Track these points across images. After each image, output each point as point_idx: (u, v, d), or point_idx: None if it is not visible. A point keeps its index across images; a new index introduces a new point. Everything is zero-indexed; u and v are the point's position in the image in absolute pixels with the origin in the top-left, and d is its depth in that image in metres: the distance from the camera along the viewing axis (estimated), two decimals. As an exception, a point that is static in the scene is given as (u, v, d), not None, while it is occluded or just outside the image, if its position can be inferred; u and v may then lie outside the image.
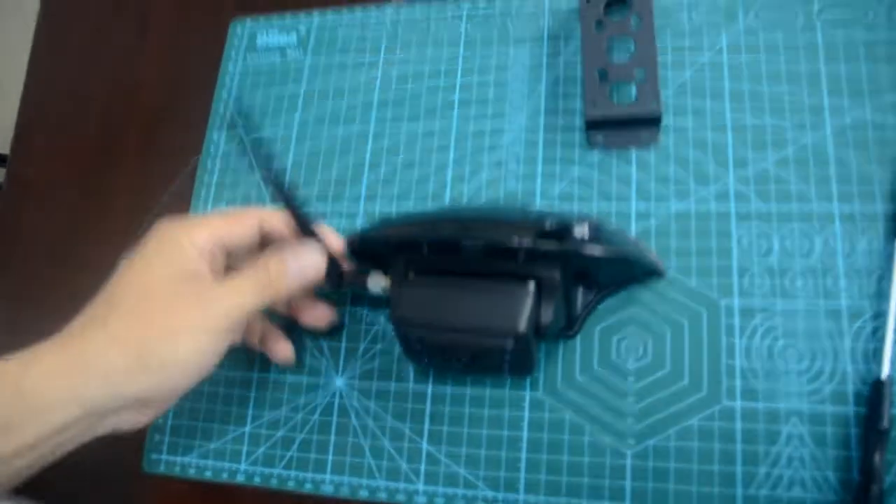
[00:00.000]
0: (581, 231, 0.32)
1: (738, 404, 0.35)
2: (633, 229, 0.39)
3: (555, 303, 0.32)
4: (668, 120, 0.40)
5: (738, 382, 0.35)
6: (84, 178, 0.52)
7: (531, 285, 0.32)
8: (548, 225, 0.32)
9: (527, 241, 0.31)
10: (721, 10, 0.42)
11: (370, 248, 0.37)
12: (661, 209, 0.39)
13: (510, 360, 0.32)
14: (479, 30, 0.46)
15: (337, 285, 0.38)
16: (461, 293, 0.32)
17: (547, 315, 0.32)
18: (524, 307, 0.31)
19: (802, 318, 0.35)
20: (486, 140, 0.43)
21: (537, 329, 0.32)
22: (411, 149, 0.44)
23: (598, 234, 0.32)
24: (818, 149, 0.38)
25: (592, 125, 0.41)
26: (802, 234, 0.37)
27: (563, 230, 0.32)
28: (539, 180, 0.41)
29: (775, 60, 0.40)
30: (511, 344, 0.31)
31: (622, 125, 0.40)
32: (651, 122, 0.40)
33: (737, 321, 0.36)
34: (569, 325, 0.37)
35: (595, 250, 0.31)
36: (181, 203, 0.47)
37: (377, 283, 0.37)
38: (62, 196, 0.52)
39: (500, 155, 0.42)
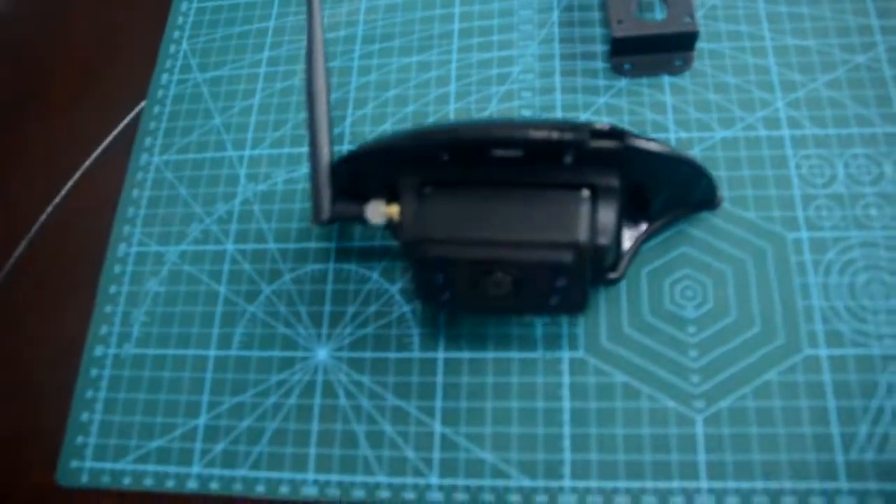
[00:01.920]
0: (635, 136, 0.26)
1: (824, 352, 0.28)
2: (676, 160, 0.33)
3: (615, 216, 0.25)
4: (700, 45, 0.35)
5: (818, 327, 0.29)
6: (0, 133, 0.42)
7: (586, 194, 0.25)
8: (598, 126, 0.26)
9: (578, 136, 0.25)
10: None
11: (365, 169, 0.29)
12: (706, 137, 0.33)
13: (563, 287, 0.25)
14: (476, -41, 0.40)
15: (327, 218, 0.30)
16: (499, 204, 0.25)
17: (607, 231, 0.25)
18: (582, 214, 0.25)
19: (884, 248, 0.30)
20: (494, 70, 0.37)
21: (595, 250, 0.25)
22: (404, 83, 0.37)
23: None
24: (873, 69, 0.34)
25: (619, 49, 0.35)
26: (869, 159, 0.32)
27: (615, 130, 0.25)
28: (560, 111, 0.35)
29: (809, -15, 0.36)
30: (570, 258, 0.24)
31: (651, 48, 0.35)
32: (685, 43, 0.35)
33: (807, 256, 0.30)
34: (612, 266, 0.30)
35: (660, 147, 0.25)
36: (120, 158, 0.39)
37: (378, 212, 0.29)
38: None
39: (512, 85, 0.36)
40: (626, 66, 0.35)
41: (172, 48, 0.41)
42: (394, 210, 0.29)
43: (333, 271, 0.33)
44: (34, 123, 0.41)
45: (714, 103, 0.34)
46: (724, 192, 0.32)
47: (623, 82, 0.35)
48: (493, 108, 0.35)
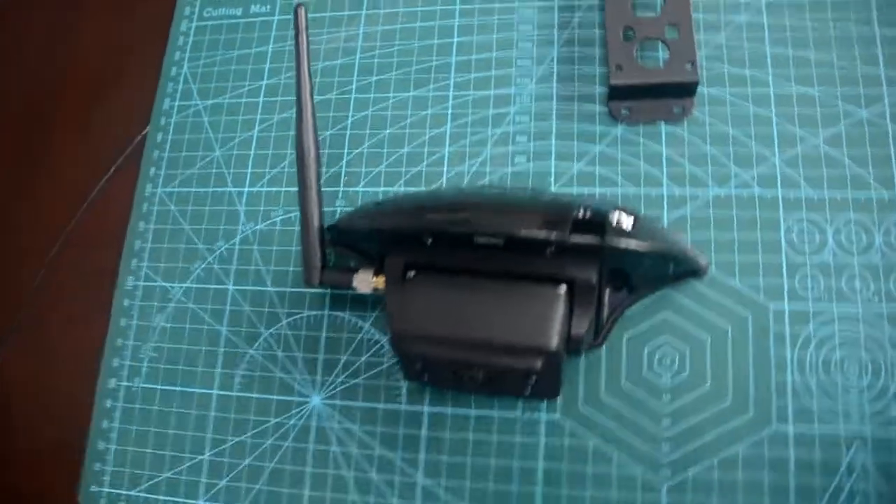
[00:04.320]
0: (620, 221, 0.26)
1: (791, 428, 0.30)
2: (665, 218, 0.33)
3: (590, 313, 0.26)
4: (701, 90, 0.35)
5: (789, 401, 0.30)
6: (10, 158, 0.43)
7: (562, 291, 0.26)
8: (581, 213, 0.26)
9: (558, 234, 0.25)
10: (761, -38, 0.36)
11: (357, 240, 0.30)
12: (698, 195, 0.33)
13: (535, 381, 0.26)
14: (478, -19, 0.39)
15: (318, 281, 0.31)
16: (476, 298, 0.26)
17: (581, 326, 0.26)
18: (555, 318, 0.25)
19: (864, 324, 0.30)
20: (490, 110, 0.36)
21: (569, 343, 0.26)
22: (400, 121, 0.37)
23: (636, 223, 0.27)
24: (876, 125, 0.33)
25: (616, 94, 0.35)
26: (860, 226, 0.32)
27: (598, 219, 0.26)
28: (553, 159, 0.35)
29: (822, 22, 0.35)
30: (540, 364, 0.25)
31: (650, 94, 0.34)
32: (685, 91, 0.34)
33: (787, 328, 0.31)
34: (594, 332, 0.31)
35: (642, 245, 0.26)
36: (126, 185, 0.40)
37: (366, 282, 0.30)
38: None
39: (507, 127, 0.36)
40: (624, 111, 0.35)
41: (174, 70, 0.41)
42: (381, 281, 0.30)
43: (328, 318, 0.34)
44: (43, 146, 0.42)
45: (710, 156, 0.34)
46: (712, 256, 0.32)
47: (619, 129, 0.35)
48: (487, 153, 0.35)
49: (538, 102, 0.36)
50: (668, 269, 0.30)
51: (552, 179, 0.34)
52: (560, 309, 0.25)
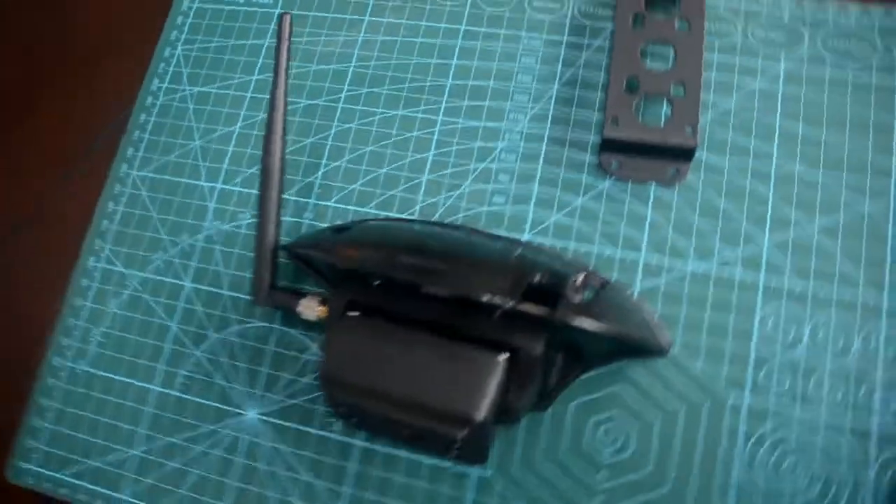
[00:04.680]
0: (577, 290, 0.25)
1: (728, 529, 0.28)
2: (638, 286, 0.31)
3: (531, 385, 0.25)
4: (700, 154, 0.33)
5: (731, 502, 0.28)
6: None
7: (502, 359, 0.25)
8: (537, 278, 0.25)
9: (507, 300, 0.24)
10: (784, 28, 0.34)
11: (312, 261, 0.29)
12: (676, 267, 0.31)
13: (459, 448, 0.25)
14: (490, 2, 0.37)
15: (263, 302, 0.30)
16: (411, 354, 0.25)
17: (519, 398, 0.25)
18: (489, 388, 0.24)
19: (823, 432, 0.29)
20: (477, 142, 0.35)
21: (503, 412, 0.25)
22: (384, 139, 0.36)
23: (598, 296, 0.25)
24: (875, 221, 0.31)
25: (609, 146, 0.33)
26: (840, 329, 0.30)
27: (554, 288, 0.25)
28: (532, 205, 0.33)
29: (840, 101, 0.33)
30: (464, 433, 0.24)
31: (644, 152, 0.33)
32: (681, 154, 0.32)
33: (743, 423, 0.29)
34: (539, 396, 0.30)
35: (595, 326, 0.24)
36: (104, 162, 0.39)
37: (311, 309, 0.29)
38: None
39: (491, 164, 0.34)
40: (615, 165, 0.33)
41: (167, 50, 0.40)
42: (325, 311, 0.29)
43: (278, 333, 0.34)
44: (29, 111, 0.42)
45: (696, 227, 0.32)
46: (677, 334, 0.30)
47: (607, 183, 0.33)
48: (466, 188, 0.34)
49: (527, 142, 0.34)
50: (624, 348, 0.29)
51: (527, 226, 0.33)
52: (495, 380, 0.24)
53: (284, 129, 0.30)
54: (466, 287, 0.24)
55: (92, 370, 0.35)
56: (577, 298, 0.25)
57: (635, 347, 0.28)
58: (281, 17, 0.30)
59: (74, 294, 0.37)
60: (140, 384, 0.34)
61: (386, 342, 0.25)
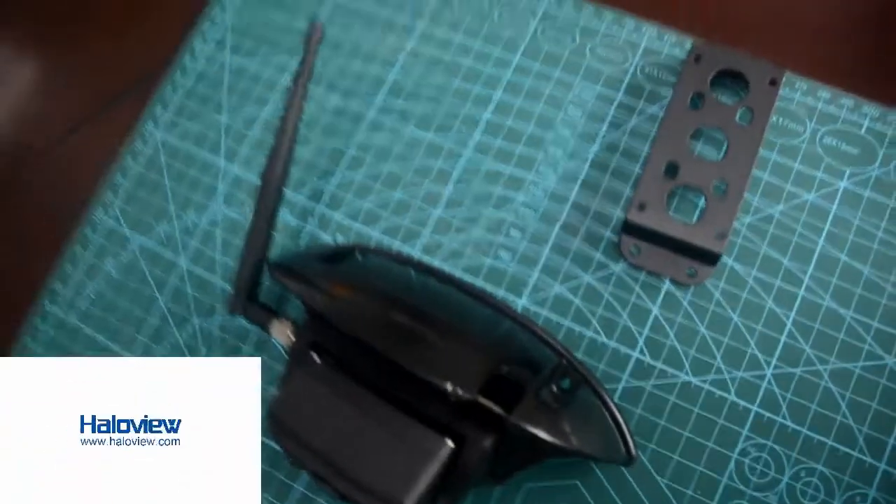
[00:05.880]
0: (543, 389, 0.24)
1: None
2: (621, 387, 0.30)
3: (472, 478, 0.24)
4: (725, 259, 0.30)
5: None
6: (34, 51, 0.43)
7: (447, 446, 0.24)
8: (504, 370, 0.24)
9: (465, 393, 0.23)
10: (858, 141, 0.31)
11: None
12: (667, 373, 0.30)
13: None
14: (551, 39, 0.35)
15: (239, 313, 0.30)
16: (359, 418, 0.24)
17: (457, 491, 0.24)
18: (425, 475, 0.23)
19: (772, 588, 0.27)
20: (498, 187, 0.33)
21: (439, 499, 0.24)
22: (405, 161, 0.34)
23: (565, 398, 0.24)
24: (894, 378, 0.28)
25: (631, 230, 0.31)
26: (825, 482, 0.28)
27: (520, 383, 0.24)
28: (538, 270, 0.32)
29: (893, 238, 0.30)
30: (390, 516, 0.24)
31: (667, 244, 0.30)
32: (704, 257, 0.30)
33: (692, 554, 0.28)
34: (493, 473, 0.29)
35: (547, 437, 0.23)
36: (136, 110, 0.39)
37: (283, 333, 0.29)
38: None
39: (506, 216, 0.33)
40: (633, 249, 0.31)
41: (217, 11, 0.39)
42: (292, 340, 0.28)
43: (257, 335, 0.33)
44: (72, 45, 0.41)
45: (700, 338, 0.30)
46: (648, 447, 0.29)
47: (619, 266, 0.31)
48: (474, 234, 0.32)
49: (550, 201, 0.32)
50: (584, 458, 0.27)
51: (527, 291, 0.31)
52: (434, 467, 0.23)
53: (294, 140, 0.29)
54: (427, 371, 0.23)
55: (80, 324, 0.36)
56: (542, 398, 0.24)
57: (595, 460, 0.27)
58: (312, 23, 0.28)
59: (77, 242, 0.37)
60: (119, 350, 0.35)
61: (338, 400, 0.25)
